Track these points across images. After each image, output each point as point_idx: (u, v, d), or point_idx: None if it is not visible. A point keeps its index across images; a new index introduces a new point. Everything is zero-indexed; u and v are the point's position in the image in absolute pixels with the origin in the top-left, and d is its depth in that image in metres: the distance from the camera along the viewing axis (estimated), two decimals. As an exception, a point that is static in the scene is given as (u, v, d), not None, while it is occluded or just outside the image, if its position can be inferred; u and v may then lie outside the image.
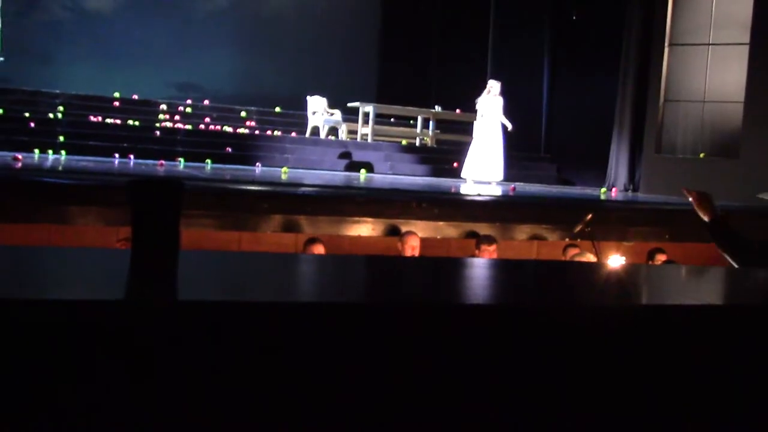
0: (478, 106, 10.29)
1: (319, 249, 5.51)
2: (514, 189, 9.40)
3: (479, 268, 2.06)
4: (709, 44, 10.90)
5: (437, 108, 12.70)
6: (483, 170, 10.05)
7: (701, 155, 10.96)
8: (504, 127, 10.17)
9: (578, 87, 12.25)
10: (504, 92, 10.28)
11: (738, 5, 10.60)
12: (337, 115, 12.14)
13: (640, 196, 10.85)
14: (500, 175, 10.13)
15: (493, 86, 10.23)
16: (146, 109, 11.90)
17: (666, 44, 11.14)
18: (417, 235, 6.01)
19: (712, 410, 1.50)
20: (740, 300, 1.85)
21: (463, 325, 1.36)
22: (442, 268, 1.93)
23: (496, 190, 9.12)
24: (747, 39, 10.41)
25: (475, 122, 10.40)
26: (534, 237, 7.03)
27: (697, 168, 10.83)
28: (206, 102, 12.80)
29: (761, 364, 1.50)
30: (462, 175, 10.32)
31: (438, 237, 6.65)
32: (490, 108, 10.13)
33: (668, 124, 11.31)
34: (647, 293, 1.85)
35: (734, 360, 1.49)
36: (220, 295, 1.40)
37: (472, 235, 6.60)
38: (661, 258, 6.22)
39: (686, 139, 11.19)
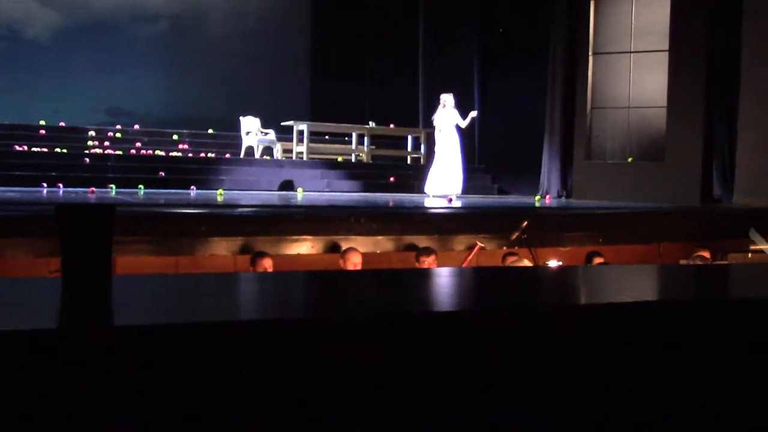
0: (435, 122, 10.41)
1: (267, 263, 5.45)
2: (450, 200, 9.48)
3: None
4: (630, 52, 11.25)
5: (371, 124, 12.75)
6: (445, 184, 10.16)
7: (629, 160, 11.28)
8: (461, 138, 10.27)
9: (509, 98, 12.45)
10: (458, 104, 10.41)
11: (656, 14, 10.97)
12: (272, 134, 12.07)
13: (573, 201, 11.08)
14: (460, 188, 10.24)
15: (447, 100, 10.37)
16: (74, 136, 11.61)
17: (590, 53, 11.44)
18: (358, 251, 5.99)
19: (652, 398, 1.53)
20: (673, 295, 1.90)
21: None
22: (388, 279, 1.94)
23: (434, 203, 9.19)
24: (666, 46, 10.78)
25: (435, 137, 10.47)
26: (472, 246, 7.10)
27: (626, 172, 11.14)
28: (136, 127, 12.56)
29: (693, 353, 1.55)
30: (425, 191, 10.41)
31: (378, 251, 6.65)
32: (447, 121, 10.26)
33: (596, 131, 11.61)
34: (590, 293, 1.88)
35: (668, 351, 1.53)
36: (157, 318, 1.37)
37: (412, 247, 6.63)
38: (598, 260, 6.35)
39: (614, 144, 11.50)
